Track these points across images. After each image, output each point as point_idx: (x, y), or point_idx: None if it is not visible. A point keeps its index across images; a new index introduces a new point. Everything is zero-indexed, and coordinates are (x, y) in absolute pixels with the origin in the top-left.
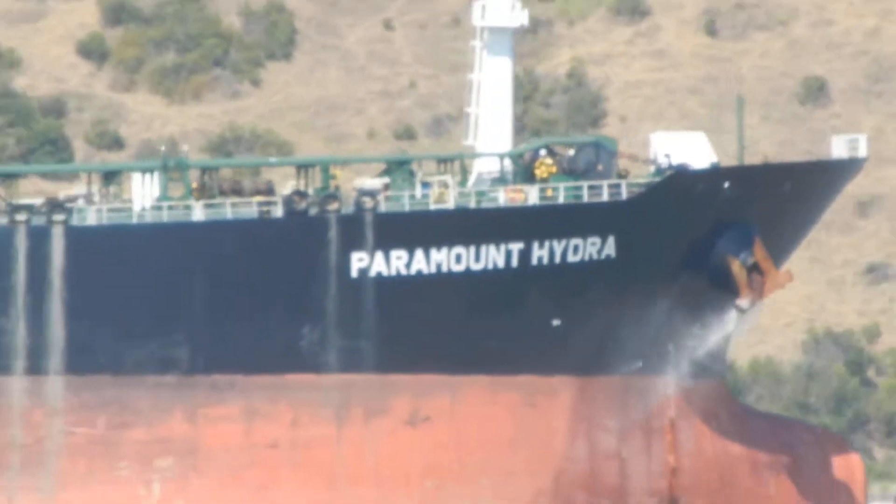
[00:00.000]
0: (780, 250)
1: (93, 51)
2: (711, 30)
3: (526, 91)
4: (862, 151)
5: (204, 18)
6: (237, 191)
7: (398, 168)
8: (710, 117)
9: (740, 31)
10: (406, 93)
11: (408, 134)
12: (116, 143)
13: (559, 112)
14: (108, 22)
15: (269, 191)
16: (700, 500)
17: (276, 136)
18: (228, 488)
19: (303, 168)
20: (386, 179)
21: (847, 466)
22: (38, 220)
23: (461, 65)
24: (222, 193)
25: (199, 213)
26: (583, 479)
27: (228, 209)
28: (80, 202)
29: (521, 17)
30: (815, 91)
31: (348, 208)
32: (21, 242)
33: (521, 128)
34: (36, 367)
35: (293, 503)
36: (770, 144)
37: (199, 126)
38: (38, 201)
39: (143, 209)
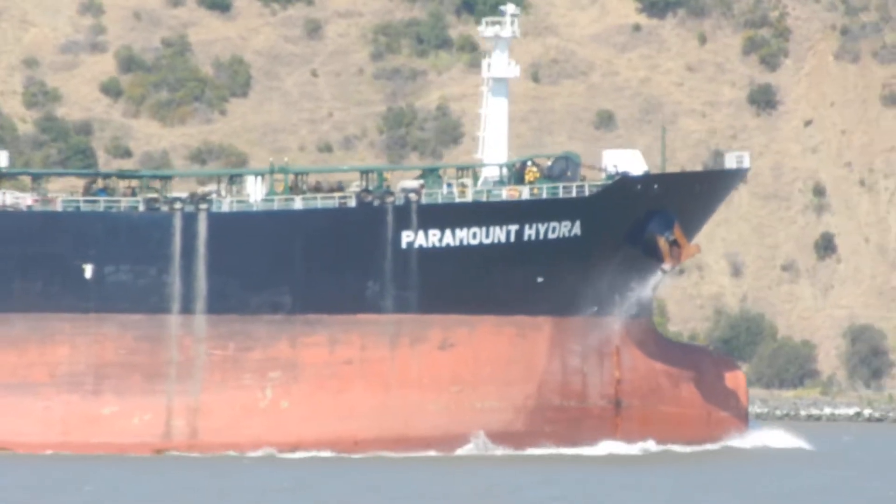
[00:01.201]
0: (690, 231)
1: (111, 89)
2: (536, 77)
3: (408, 119)
4: (746, 163)
5: (187, 68)
6: (319, 188)
7: (430, 174)
8: (536, 139)
9: (555, 78)
10: (325, 120)
11: (327, 149)
12: (126, 154)
13: (430, 134)
14: (122, 70)
15: (340, 188)
16: (636, 400)
17: (236, 150)
18: (317, 392)
19: (364, 173)
20: (421, 181)
21: (735, 379)
22: (189, 208)
23: (364, 101)
24: (311, 190)
25: (298, 203)
26: (557, 387)
27: (319, 201)
28: (214, 196)
29: (514, 71)
30: (606, 120)
31: (399, 201)
32: (177, 223)
33: (404, 143)
34: (187, 308)
35: (361, 401)
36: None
37: (184, 142)
38: (184, 195)
39: (257, 201)
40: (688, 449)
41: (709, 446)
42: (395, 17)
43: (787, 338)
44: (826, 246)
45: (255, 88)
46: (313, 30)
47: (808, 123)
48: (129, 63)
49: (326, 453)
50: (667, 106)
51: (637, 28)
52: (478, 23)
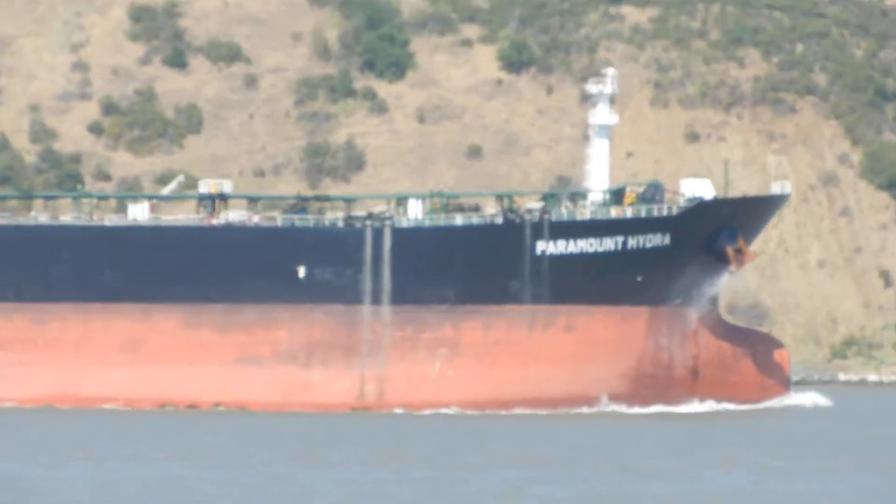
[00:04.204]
0: (749, 241)
1: (95, 128)
2: (421, 118)
3: (323, 151)
4: (788, 190)
5: (154, 112)
6: (461, 208)
7: (550, 198)
8: (421, 166)
9: (437, 119)
10: (260, 151)
11: (260, 174)
12: (107, 178)
13: (341, 162)
14: (104, 113)
15: (477, 208)
16: (708, 371)
17: (192, 175)
18: (474, 365)
19: (499, 197)
20: (543, 203)
21: (780, 355)
22: (377, 224)
23: (289, 137)
24: (461, 210)
25: (459, 220)
26: (651, 360)
27: (474, 218)
28: (388, 214)
29: (613, 118)
30: (476, 151)
31: (534, 218)
32: (368, 236)
33: (320, 170)
34: (376, 300)
35: (506, 372)
36: (456, 181)
37: (151, 169)
38: (362, 213)
39: (418, 219)
40: (743, 407)
41: (758, 406)
42: (313, 73)
43: None
44: None
45: (205, 127)
46: (250, 82)
47: (629, 155)
48: (109, 108)
49: (475, 412)
50: (522, 140)
51: (500, 81)
52: (380, 77)
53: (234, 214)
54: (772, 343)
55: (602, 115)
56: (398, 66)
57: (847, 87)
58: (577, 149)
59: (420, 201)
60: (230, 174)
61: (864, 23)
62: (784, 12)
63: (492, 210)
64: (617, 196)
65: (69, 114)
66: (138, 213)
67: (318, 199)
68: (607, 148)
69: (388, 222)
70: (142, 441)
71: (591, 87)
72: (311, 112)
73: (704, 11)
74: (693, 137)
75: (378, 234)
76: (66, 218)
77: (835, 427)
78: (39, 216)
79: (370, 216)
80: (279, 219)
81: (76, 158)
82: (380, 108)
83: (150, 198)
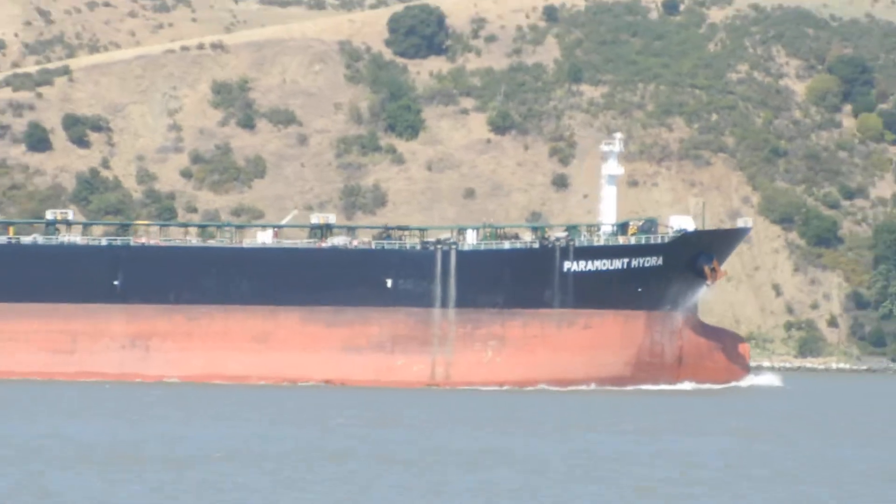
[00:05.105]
0: (721, 262)
1: (186, 174)
2: (430, 168)
3: (356, 192)
4: (749, 225)
5: (229, 161)
6: (505, 236)
7: (573, 229)
8: (429, 205)
9: (441, 168)
10: (308, 192)
11: (308, 208)
12: (194, 211)
13: (369, 200)
14: (192, 162)
15: (517, 237)
16: (689, 359)
17: (257, 210)
18: (517, 353)
19: (534, 229)
20: (567, 233)
21: (742, 348)
22: (444, 248)
23: (331, 181)
24: (505, 238)
25: (507, 245)
26: (647, 351)
27: (517, 243)
28: (452, 240)
29: (620, 170)
30: (470, 193)
31: (562, 244)
32: (438, 256)
33: (354, 206)
34: (444, 304)
35: (540, 359)
36: (456, 215)
37: (227, 205)
38: (432, 240)
39: (474, 244)
40: (715, 386)
41: (726, 385)
42: (349, 133)
43: None
44: None
45: (268, 173)
46: (302, 140)
47: (585, 196)
48: (196, 158)
49: (515, 388)
50: (505, 185)
51: (489, 141)
52: (399, 136)
53: (337, 239)
54: (736, 339)
55: (612, 167)
56: (413, 129)
57: (749, 146)
58: (546, 191)
59: (475, 231)
60: (287, 208)
61: (762, 99)
62: (702, 90)
63: (528, 238)
64: (622, 228)
65: (166, 163)
66: (265, 237)
67: (400, 228)
68: (614, 192)
69: (452, 246)
70: (270, 408)
71: (605, 147)
72: (347, 162)
73: (643, 89)
74: (633, 184)
75: (446, 255)
76: (213, 241)
77: (762, 404)
78: (192, 239)
79: (439, 241)
80: (372, 243)
81: (171, 196)
82: (399, 160)
83: (273, 227)
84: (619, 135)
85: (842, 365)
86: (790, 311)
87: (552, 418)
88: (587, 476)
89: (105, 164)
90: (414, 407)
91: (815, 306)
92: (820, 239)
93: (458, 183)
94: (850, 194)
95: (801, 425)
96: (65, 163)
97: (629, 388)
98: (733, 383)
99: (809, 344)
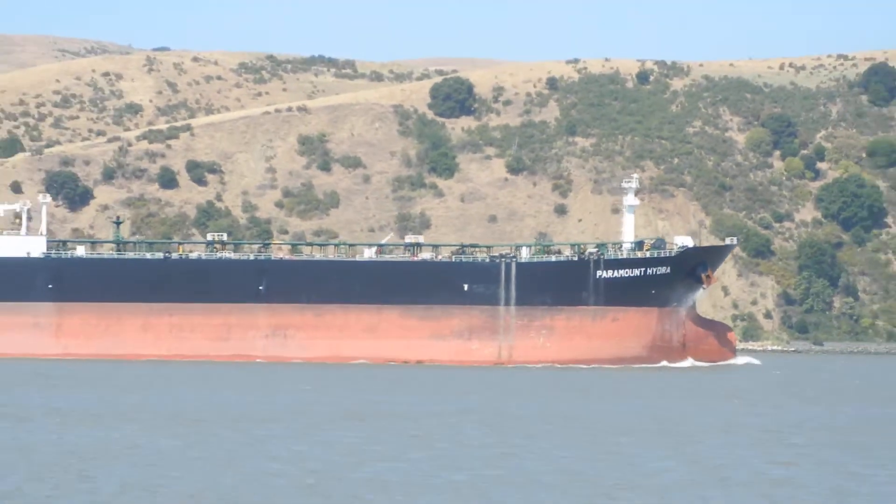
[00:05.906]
0: (714, 270)
1: (280, 205)
2: (462, 200)
3: (407, 218)
4: (735, 242)
5: (312, 195)
6: (555, 251)
7: (602, 246)
8: (462, 227)
9: (470, 200)
10: (371, 218)
11: (371, 230)
12: (285, 232)
13: (417, 224)
14: (284, 196)
15: (559, 251)
16: (691, 343)
17: (333, 231)
18: (562, 340)
19: (572, 245)
20: (598, 248)
21: (731, 336)
22: (507, 261)
23: (388, 210)
24: (551, 252)
25: (553, 258)
26: (660, 338)
27: (562, 257)
28: (511, 255)
29: (636, 201)
30: (493, 219)
31: (595, 257)
32: (503, 266)
33: (406, 229)
34: (507, 303)
35: (579, 343)
36: (482, 235)
37: (311, 229)
38: (497, 254)
39: (529, 257)
40: (708, 365)
41: (718, 364)
42: (402, 174)
43: None
44: None
45: (341, 204)
46: (366, 179)
47: (580, 220)
48: (286, 193)
49: (561, 367)
50: (518, 213)
51: (506, 179)
52: (439, 176)
53: (426, 254)
54: (726, 328)
55: (630, 199)
56: (449, 170)
57: (703, 183)
58: (550, 217)
59: (528, 248)
60: (354, 231)
61: (712, 147)
62: (667, 140)
63: (568, 253)
64: (639, 245)
65: (264, 196)
66: (370, 253)
67: (473, 246)
68: (633, 219)
69: (513, 259)
70: (380, 383)
71: (625, 184)
72: (400, 196)
73: (622, 140)
74: (616, 211)
75: (508, 266)
76: (332, 255)
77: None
78: (316, 254)
79: (502, 256)
80: (452, 257)
81: (268, 221)
82: (439, 193)
83: (377, 245)
84: (635, 176)
85: (775, 347)
86: (735, 306)
87: (600, 388)
88: (658, 427)
89: (218, 197)
90: (485, 381)
91: (754, 303)
92: (757, 252)
93: (483, 211)
94: (780, 218)
95: (793, 392)
96: (188, 197)
97: (646, 365)
98: (723, 362)
99: (750, 331)
